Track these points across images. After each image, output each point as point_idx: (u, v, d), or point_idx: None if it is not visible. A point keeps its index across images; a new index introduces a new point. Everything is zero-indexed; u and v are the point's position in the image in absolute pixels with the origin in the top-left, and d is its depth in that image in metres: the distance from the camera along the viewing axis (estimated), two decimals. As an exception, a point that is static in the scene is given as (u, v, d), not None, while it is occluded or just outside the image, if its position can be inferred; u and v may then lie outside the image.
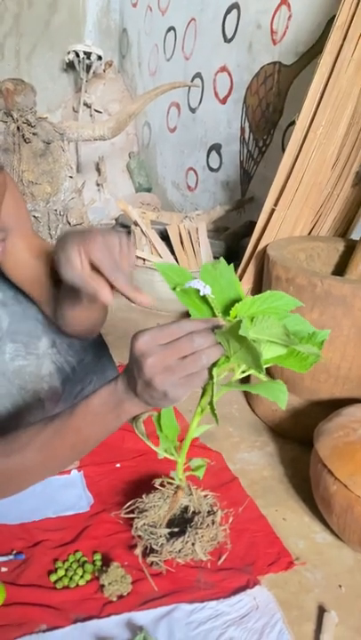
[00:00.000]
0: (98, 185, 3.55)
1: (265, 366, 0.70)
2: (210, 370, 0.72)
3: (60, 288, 0.91)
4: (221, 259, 0.78)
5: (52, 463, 0.82)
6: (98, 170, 3.57)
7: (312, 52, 2.13)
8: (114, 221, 2.64)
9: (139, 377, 0.68)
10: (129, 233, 2.31)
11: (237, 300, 0.75)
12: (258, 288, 1.75)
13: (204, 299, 0.74)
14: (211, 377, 0.73)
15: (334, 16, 1.61)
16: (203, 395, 0.81)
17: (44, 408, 1.03)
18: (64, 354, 1.07)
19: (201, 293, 0.72)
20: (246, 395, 1.64)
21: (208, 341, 0.67)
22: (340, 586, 1.01)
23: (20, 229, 0.95)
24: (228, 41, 2.66)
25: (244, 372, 0.75)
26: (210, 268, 0.77)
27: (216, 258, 2.36)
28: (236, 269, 1.90)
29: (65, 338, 1.08)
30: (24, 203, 0.99)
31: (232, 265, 0.77)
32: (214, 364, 0.72)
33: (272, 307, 0.74)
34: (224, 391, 0.78)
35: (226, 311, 0.74)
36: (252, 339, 0.67)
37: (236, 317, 0.73)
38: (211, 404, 0.78)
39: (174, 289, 0.75)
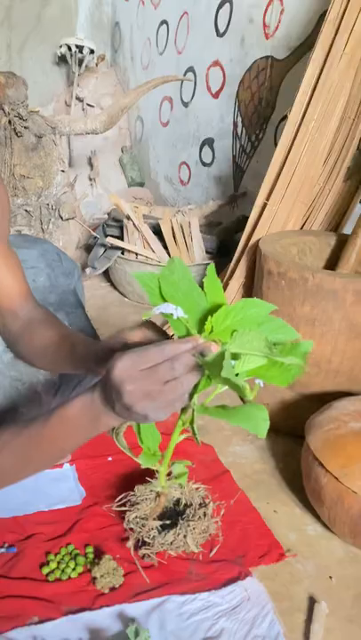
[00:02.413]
0: (90, 179, 3.54)
1: (245, 379, 0.67)
2: (190, 393, 0.70)
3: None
4: (175, 257, 0.75)
5: (28, 468, 0.80)
6: (90, 164, 3.56)
7: (304, 47, 2.13)
8: (106, 215, 2.63)
9: (117, 400, 0.66)
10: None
11: (205, 306, 0.72)
12: (250, 282, 1.76)
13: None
14: (191, 398, 0.71)
15: (326, 10, 1.61)
16: (182, 411, 0.80)
17: (40, 400, 1.03)
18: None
19: (174, 317, 0.69)
20: (238, 389, 1.64)
21: (188, 367, 0.65)
22: (330, 577, 1.02)
23: None
24: (220, 35, 2.65)
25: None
26: (167, 273, 0.73)
27: (209, 252, 2.36)
28: (228, 264, 1.92)
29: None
30: (8, 206, 0.97)
31: (178, 261, 0.73)
32: (195, 387, 0.70)
33: (248, 315, 0.70)
34: (202, 413, 0.75)
35: (202, 319, 0.71)
36: (234, 352, 0.64)
37: (211, 331, 0.69)
38: (191, 424, 0.77)
39: (155, 305, 0.71)
